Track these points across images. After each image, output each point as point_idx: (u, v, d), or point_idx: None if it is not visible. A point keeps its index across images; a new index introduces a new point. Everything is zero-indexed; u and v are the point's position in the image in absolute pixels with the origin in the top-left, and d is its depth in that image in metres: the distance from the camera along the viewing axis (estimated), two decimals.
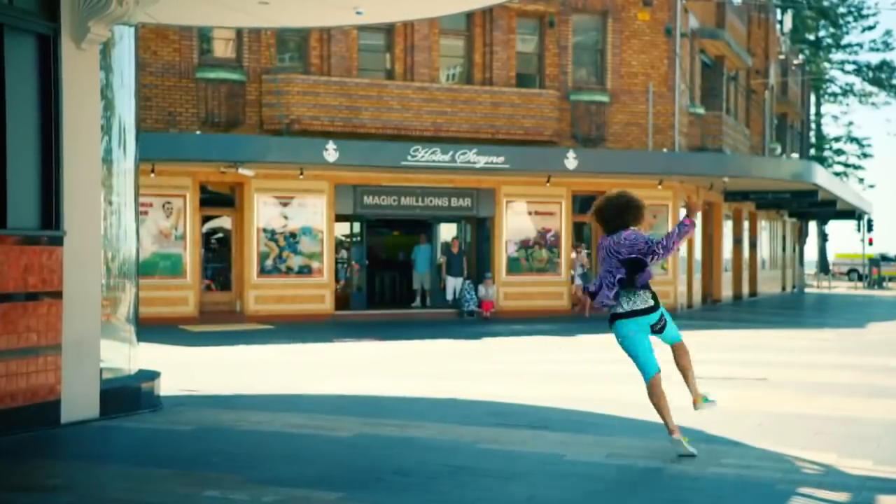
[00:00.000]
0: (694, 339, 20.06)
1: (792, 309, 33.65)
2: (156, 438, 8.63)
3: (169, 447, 8.28)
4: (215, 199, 24.60)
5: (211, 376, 13.42)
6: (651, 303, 8.10)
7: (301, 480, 7.01)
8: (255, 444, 8.42)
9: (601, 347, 18.53)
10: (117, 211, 9.96)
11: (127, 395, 9.57)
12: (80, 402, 8.91)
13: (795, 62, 49.11)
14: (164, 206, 23.35)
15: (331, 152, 22.87)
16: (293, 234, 24.41)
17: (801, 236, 53.28)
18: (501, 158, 24.50)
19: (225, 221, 25.01)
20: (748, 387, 12.59)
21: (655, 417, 9.90)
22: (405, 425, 9.32)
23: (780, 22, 47.41)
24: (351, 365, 15.28)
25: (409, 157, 23.71)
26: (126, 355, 10.09)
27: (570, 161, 25.07)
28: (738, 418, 10.02)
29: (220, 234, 25.22)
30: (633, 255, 7.95)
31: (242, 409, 10.19)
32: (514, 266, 26.55)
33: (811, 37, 67.57)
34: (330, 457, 7.96)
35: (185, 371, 13.91)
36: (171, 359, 15.29)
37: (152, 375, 10.15)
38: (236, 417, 9.61)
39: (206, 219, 24.66)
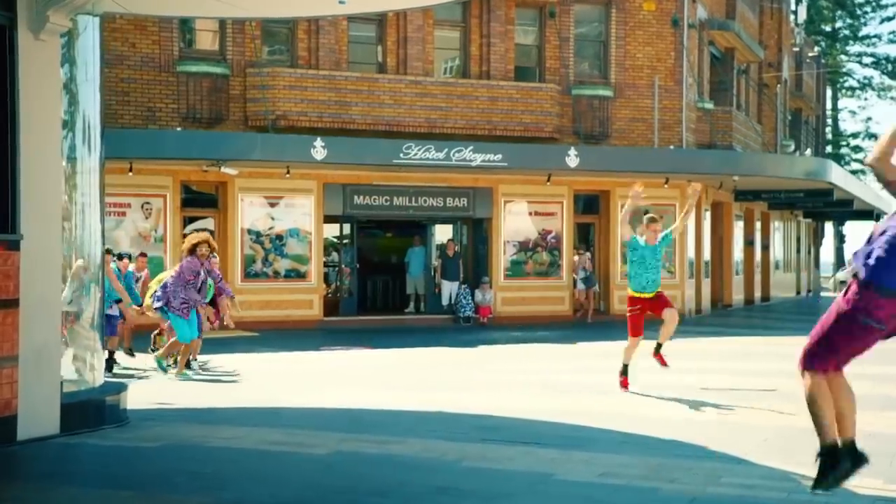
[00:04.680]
0: (701, 347, 20.10)
1: (806, 314, 33.41)
2: (119, 456, 8.46)
3: (132, 466, 8.12)
4: (197, 200, 24.44)
5: (186, 388, 13.27)
6: None
7: (271, 502, 6.85)
8: (225, 462, 8.26)
9: (601, 356, 18.37)
10: (82, 211, 9.81)
11: (90, 410, 9.41)
12: (38, 418, 8.74)
13: (810, 54, 48.91)
14: (143, 206, 23.20)
15: (318, 150, 22.69)
16: (279, 237, 24.24)
17: (817, 237, 53.07)
18: (499, 156, 24.28)
19: (208, 223, 24.83)
20: (755, 398, 12.44)
21: (652, 432, 9.78)
22: (387, 441, 9.16)
23: (794, 12, 47.25)
24: (337, 375, 15.12)
25: (401, 155, 23.49)
26: (90, 366, 9.91)
27: (572, 159, 24.87)
28: (743, 433, 9.88)
29: None
30: None
31: (215, 424, 10.04)
32: (515, 270, 26.39)
33: (827, 28, 67.41)
34: (304, 476, 7.80)
35: (158, 382, 13.76)
36: (145, 368, 15.10)
37: (118, 388, 9.99)
38: (207, 433, 9.45)
39: (189, 220, 24.48)
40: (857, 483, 7.65)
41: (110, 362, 14.65)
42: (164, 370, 14.38)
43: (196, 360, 15.02)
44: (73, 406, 9.13)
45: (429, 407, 11.54)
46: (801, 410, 11.23)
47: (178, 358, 14.51)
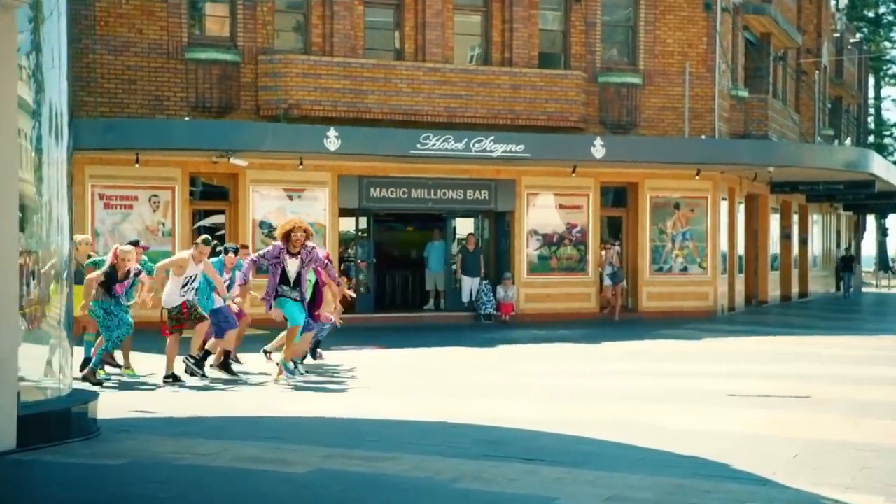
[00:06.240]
0: (731, 347, 19.39)
1: (846, 312, 32.54)
2: (74, 476, 7.79)
3: (85, 488, 7.44)
4: (208, 192, 23.92)
5: (176, 393, 12.64)
6: None
7: None
8: (190, 483, 7.57)
9: (625, 357, 17.73)
10: (48, 204, 9.21)
11: (54, 421, 8.74)
12: None
13: (852, 41, 47.82)
14: (150, 199, 22.66)
15: (332, 140, 22.07)
16: None
17: (858, 231, 52.01)
18: (521, 147, 23.62)
19: (220, 216, 24.25)
20: (788, 406, 11.69)
21: (671, 447, 9.05)
22: (376, 457, 8.46)
23: None
24: (341, 378, 14.45)
25: (419, 146, 22.90)
26: (57, 370, 9.26)
27: (598, 149, 24.16)
28: (772, 448, 9.13)
29: (223, 232, 24.44)
30: None
31: (193, 437, 9.36)
32: (540, 265, 25.68)
33: (870, 13, 66.13)
34: (274, 500, 7.12)
35: (147, 385, 13.13)
36: (140, 370, 14.45)
37: (88, 396, 9.34)
38: (181, 448, 8.76)
39: (199, 213, 23.96)
40: (858, 499, 6.97)
41: (227, 363, 13.96)
42: (292, 372, 13.64)
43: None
44: (33, 418, 8.47)
45: (431, 416, 10.86)
46: (837, 420, 10.53)
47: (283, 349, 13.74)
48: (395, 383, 14.01)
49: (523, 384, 13.83)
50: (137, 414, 10.70)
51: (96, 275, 13.08)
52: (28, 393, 8.75)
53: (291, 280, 13.29)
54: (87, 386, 12.07)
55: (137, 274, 13.65)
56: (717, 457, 8.69)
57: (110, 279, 12.93)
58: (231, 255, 15.15)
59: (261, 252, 13.69)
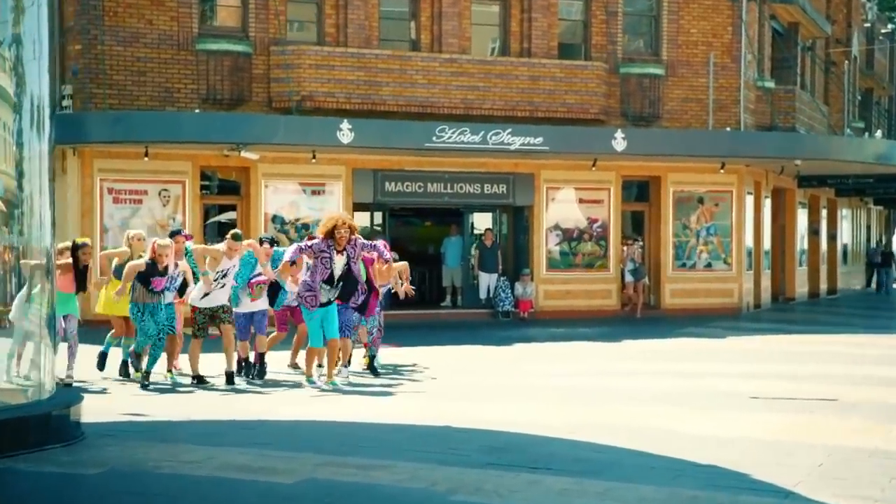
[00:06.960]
0: (755, 346, 18.92)
1: (876, 309, 31.89)
2: (47, 486, 7.38)
3: (56, 500, 7.03)
4: (219, 186, 23.62)
5: (172, 395, 12.25)
6: None
7: None
8: (169, 494, 7.14)
9: (646, 356, 17.27)
10: (29, 199, 8.84)
11: (32, 426, 8.31)
12: None
13: (883, 31, 47.08)
14: (160, 193, 22.32)
15: (345, 133, 21.66)
16: (306, 226, 23.21)
17: (889, 226, 51.34)
18: (540, 139, 23.18)
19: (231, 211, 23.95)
20: (813, 410, 11.21)
21: (688, 454, 8.60)
22: (371, 466, 8.02)
23: None
24: (349, 379, 14.01)
25: (434, 139, 22.48)
26: (38, 370, 8.86)
27: (619, 142, 23.68)
28: (795, 456, 8.65)
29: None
30: None
31: (182, 443, 8.93)
32: (562, 261, 25.21)
33: None
34: None
35: (146, 388, 12.73)
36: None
37: (71, 399, 8.92)
38: (166, 455, 8.33)
39: (218, 208, 23.65)
40: None
41: (261, 367, 13.53)
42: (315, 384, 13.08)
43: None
44: (9, 423, 8.06)
45: (436, 420, 10.41)
46: (866, 426, 10.02)
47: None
48: (404, 384, 13.58)
49: (536, 385, 13.39)
50: (127, 417, 10.30)
51: (140, 262, 12.65)
52: (4, 395, 8.36)
53: (336, 277, 12.69)
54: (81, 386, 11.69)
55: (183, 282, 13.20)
56: (736, 465, 8.22)
57: (150, 272, 12.50)
58: (266, 245, 14.28)
59: (308, 242, 13.06)
